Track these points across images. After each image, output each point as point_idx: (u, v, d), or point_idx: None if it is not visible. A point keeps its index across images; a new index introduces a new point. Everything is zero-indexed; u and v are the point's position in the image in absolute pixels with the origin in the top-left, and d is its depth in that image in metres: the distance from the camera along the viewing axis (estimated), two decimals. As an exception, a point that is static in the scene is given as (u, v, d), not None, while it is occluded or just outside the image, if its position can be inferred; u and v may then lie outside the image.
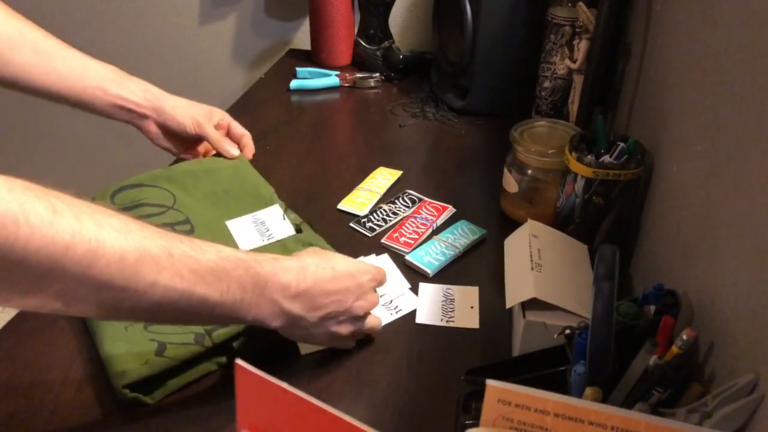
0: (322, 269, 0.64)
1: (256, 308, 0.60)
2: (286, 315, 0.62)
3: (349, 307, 0.66)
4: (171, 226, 0.79)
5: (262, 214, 0.89)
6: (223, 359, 0.69)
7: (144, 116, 0.93)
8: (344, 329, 0.67)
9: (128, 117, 0.92)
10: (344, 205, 0.94)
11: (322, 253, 0.68)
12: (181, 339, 0.67)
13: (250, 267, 0.59)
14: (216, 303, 0.57)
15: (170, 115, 0.94)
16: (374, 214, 0.92)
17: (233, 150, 0.98)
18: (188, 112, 0.95)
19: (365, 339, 0.72)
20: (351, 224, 0.91)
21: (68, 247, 0.47)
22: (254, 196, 0.92)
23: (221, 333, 0.68)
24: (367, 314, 0.69)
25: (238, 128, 1.02)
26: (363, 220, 0.91)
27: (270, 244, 0.85)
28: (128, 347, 0.66)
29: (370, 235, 0.89)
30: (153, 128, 0.95)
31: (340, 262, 0.67)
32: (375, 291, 0.70)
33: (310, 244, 0.81)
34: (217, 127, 1.00)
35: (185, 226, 0.85)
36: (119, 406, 0.64)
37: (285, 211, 0.89)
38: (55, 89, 0.85)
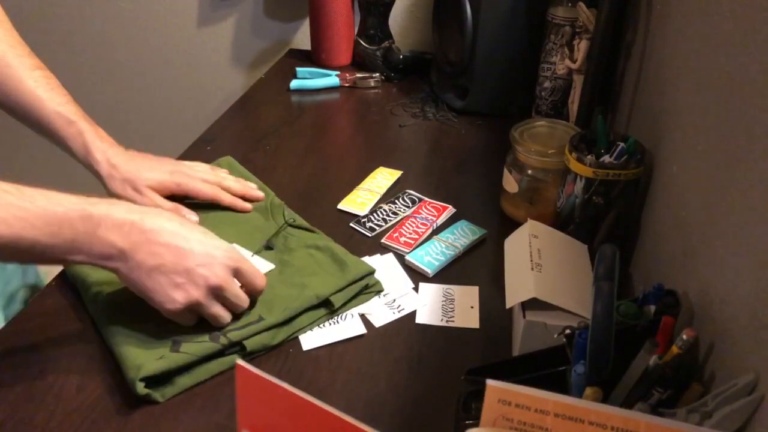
0: (168, 220, 0.66)
1: (89, 247, 0.62)
2: (120, 256, 0.63)
3: (189, 268, 0.64)
4: None
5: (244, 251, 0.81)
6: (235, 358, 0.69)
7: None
8: (180, 295, 0.64)
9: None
10: (344, 205, 0.94)
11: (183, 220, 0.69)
12: (196, 337, 0.68)
13: (84, 210, 0.62)
14: (46, 246, 0.61)
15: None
16: (374, 214, 0.92)
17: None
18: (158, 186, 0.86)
19: (360, 335, 0.72)
20: (351, 224, 0.91)
21: None
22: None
23: (236, 334, 0.69)
24: (213, 291, 0.66)
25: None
26: (363, 220, 0.91)
27: (275, 252, 0.82)
28: (143, 344, 0.67)
29: (370, 235, 0.89)
30: None
31: (197, 229, 0.68)
32: (231, 275, 0.67)
33: (316, 245, 0.81)
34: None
35: None
36: (119, 405, 0.64)
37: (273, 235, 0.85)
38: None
